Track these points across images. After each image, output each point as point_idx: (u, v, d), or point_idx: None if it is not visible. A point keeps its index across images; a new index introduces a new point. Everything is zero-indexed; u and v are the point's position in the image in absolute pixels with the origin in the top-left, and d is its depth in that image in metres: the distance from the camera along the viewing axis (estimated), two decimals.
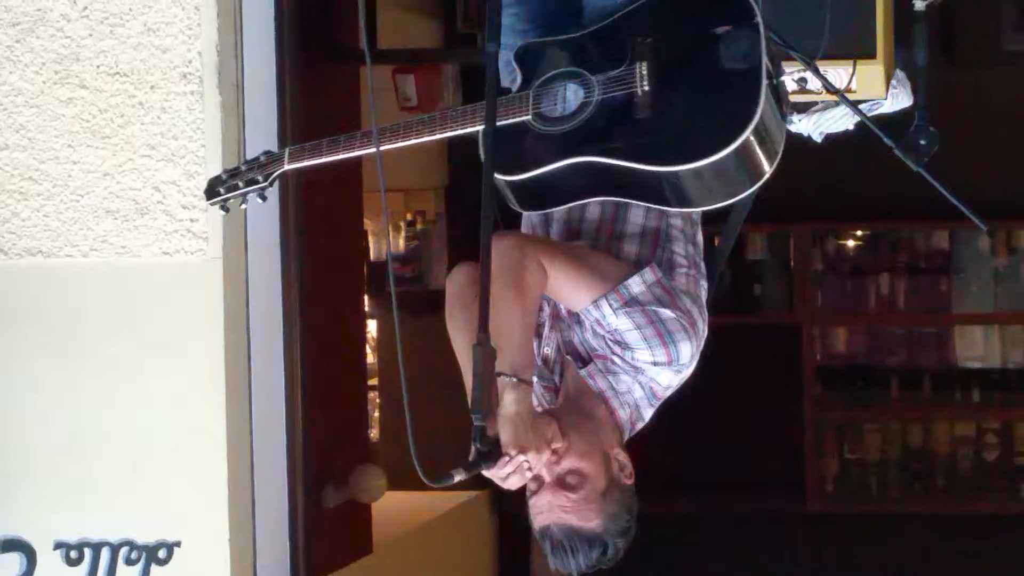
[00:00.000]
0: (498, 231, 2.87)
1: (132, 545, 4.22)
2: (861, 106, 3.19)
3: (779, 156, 2.87)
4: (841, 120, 3.49)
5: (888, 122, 3.14)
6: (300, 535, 4.49)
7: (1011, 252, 7.69)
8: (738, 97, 2.77)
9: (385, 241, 5.78)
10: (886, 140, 2.88)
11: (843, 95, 3.07)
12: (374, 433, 6.97)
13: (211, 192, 3.09)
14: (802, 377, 7.71)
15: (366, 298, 6.44)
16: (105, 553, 4.22)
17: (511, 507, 7.04)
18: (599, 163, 2.83)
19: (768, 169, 2.85)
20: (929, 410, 7.80)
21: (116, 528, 4.22)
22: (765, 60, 2.78)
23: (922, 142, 2.88)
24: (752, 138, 2.76)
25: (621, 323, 2.87)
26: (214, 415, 4.18)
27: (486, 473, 2.71)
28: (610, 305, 2.87)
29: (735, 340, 6.86)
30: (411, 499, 6.33)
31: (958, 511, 7.58)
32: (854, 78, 3.26)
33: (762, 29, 2.80)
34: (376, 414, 7.14)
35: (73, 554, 4.24)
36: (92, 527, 4.23)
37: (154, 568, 4.21)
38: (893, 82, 3.40)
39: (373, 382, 7.01)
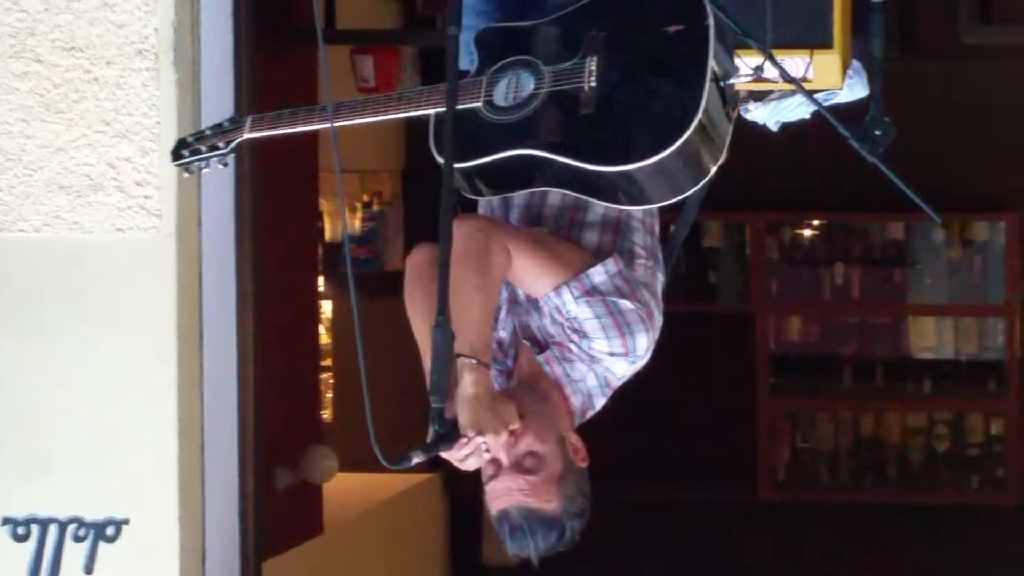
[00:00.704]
0: (462, 214, 2.87)
1: (80, 522, 4.20)
2: (817, 95, 3.19)
3: (722, 158, 2.86)
4: (797, 109, 3.49)
5: (844, 112, 3.14)
6: (250, 515, 4.47)
7: (965, 244, 7.73)
8: (680, 101, 2.74)
9: (341, 221, 5.77)
10: (841, 130, 2.88)
11: (799, 84, 3.07)
12: (327, 414, 6.95)
13: (176, 154, 3.11)
14: (755, 365, 7.73)
15: (321, 278, 6.42)
16: (53, 529, 4.20)
17: (463, 489, 7.05)
18: (538, 157, 2.82)
19: (711, 170, 2.85)
20: (881, 400, 7.83)
21: (64, 505, 4.19)
22: (711, 63, 2.76)
23: (877, 133, 2.88)
24: (690, 143, 2.73)
25: (581, 312, 2.87)
26: (165, 393, 4.16)
27: (444, 455, 2.71)
28: (571, 293, 2.87)
29: (689, 328, 6.87)
30: (363, 480, 6.33)
31: (909, 501, 7.63)
32: (810, 67, 3.26)
33: (712, 32, 2.79)
34: (329, 395, 7.12)
35: (20, 530, 4.21)
36: (40, 503, 4.20)
37: (102, 545, 4.18)
38: (850, 72, 3.41)
39: (327, 363, 6.99)
